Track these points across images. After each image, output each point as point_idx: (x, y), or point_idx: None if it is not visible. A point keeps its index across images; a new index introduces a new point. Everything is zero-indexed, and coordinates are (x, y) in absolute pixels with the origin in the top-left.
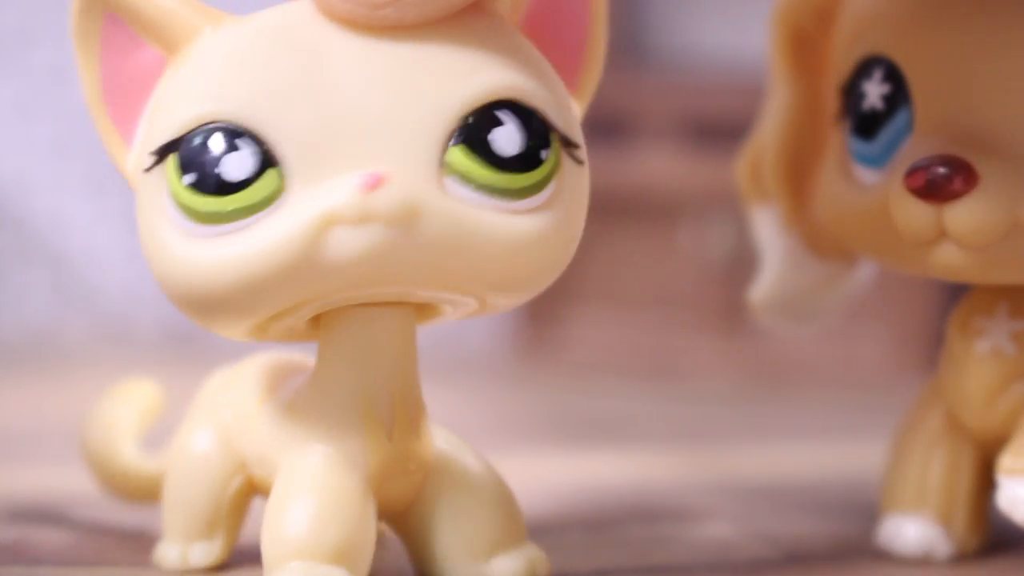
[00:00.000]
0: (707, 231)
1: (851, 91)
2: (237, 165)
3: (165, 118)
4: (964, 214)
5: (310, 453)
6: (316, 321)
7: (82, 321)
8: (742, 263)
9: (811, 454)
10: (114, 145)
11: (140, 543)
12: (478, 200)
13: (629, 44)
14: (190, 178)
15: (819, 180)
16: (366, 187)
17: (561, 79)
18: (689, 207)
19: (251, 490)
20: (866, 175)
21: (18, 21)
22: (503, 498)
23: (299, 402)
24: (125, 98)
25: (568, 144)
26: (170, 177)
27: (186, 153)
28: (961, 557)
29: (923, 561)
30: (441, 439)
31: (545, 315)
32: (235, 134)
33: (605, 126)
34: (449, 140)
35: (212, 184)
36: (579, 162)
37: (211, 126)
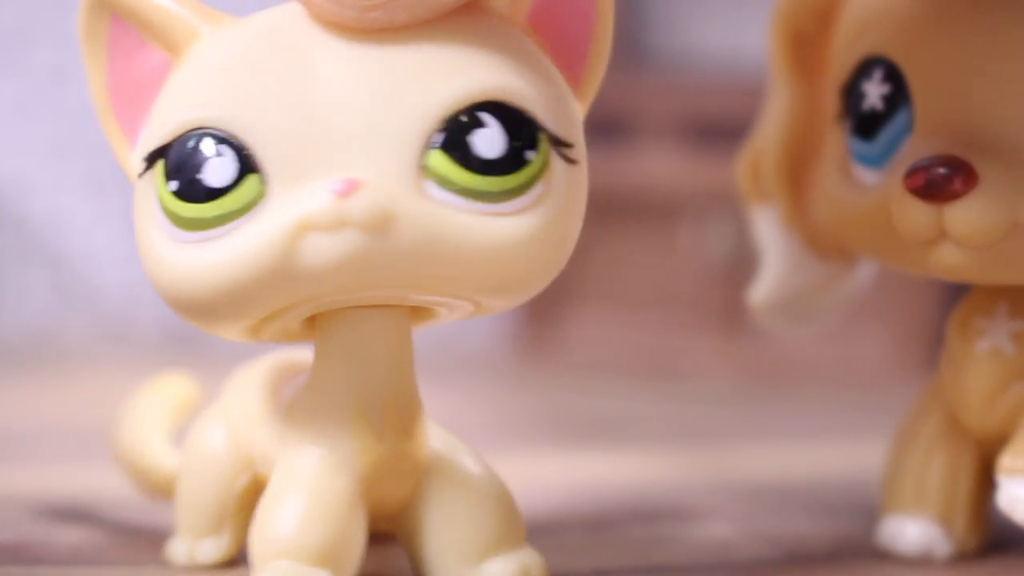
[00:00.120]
0: (707, 231)
1: (851, 91)
2: (218, 171)
3: (156, 124)
4: (964, 214)
5: (302, 454)
6: (313, 322)
7: (82, 321)
8: (742, 263)
9: (811, 454)
10: (120, 147)
11: (140, 542)
12: (458, 204)
13: (629, 44)
14: (174, 185)
15: (819, 180)
16: (340, 193)
17: (564, 76)
18: (689, 207)
19: (258, 488)
20: (866, 175)
21: (18, 21)
22: (499, 500)
23: (296, 403)
24: (131, 100)
25: (559, 144)
26: (158, 183)
27: (171, 160)
28: (961, 557)
29: (923, 561)
30: (438, 440)
31: (545, 315)
32: (217, 140)
33: (605, 126)
34: (428, 144)
35: (195, 191)
36: (572, 161)
37: (195, 132)
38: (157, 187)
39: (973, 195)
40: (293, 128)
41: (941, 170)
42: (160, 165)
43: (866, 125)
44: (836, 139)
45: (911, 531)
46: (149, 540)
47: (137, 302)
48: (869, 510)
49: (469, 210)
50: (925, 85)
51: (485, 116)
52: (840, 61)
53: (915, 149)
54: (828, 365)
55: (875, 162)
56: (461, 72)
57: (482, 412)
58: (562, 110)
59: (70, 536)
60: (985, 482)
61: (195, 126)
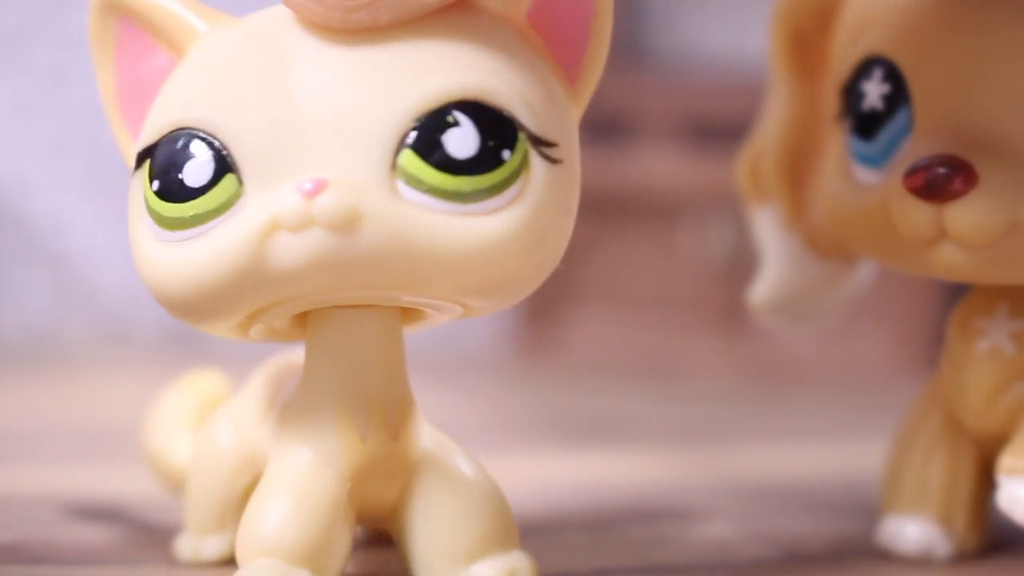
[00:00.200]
0: (707, 231)
1: (851, 91)
2: (196, 171)
3: (148, 124)
4: (964, 214)
5: (290, 454)
6: (304, 321)
7: (82, 321)
8: (742, 263)
9: (811, 454)
10: (127, 147)
11: (141, 542)
12: (430, 204)
13: (629, 44)
14: (156, 184)
15: (819, 180)
16: (307, 192)
17: (562, 74)
18: (689, 207)
19: None
20: (866, 175)
21: (18, 21)
22: (490, 502)
23: (290, 402)
24: (138, 101)
25: (540, 143)
26: (144, 182)
27: (156, 159)
28: (961, 557)
29: (923, 561)
30: (430, 441)
31: (545, 315)
32: (197, 140)
33: (605, 126)
34: (401, 143)
35: (174, 190)
36: (554, 161)
37: (178, 133)
38: (144, 186)
39: (973, 195)
40: (268, 128)
41: (941, 170)
42: (147, 165)
43: (866, 125)
44: (836, 139)
45: (911, 531)
46: (150, 539)
47: (137, 302)
48: (869, 510)
49: (441, 210)
50: (925, 85)
51: (459, 115)
52: (840, 61)
53: (915, 149)
54: (828, 365)
55: (875, 162)
56: (436, 71)
57: (482, 412)
58: (547, 109)
59: (70, 535)
60: (985, 482)
61: (178, 126)
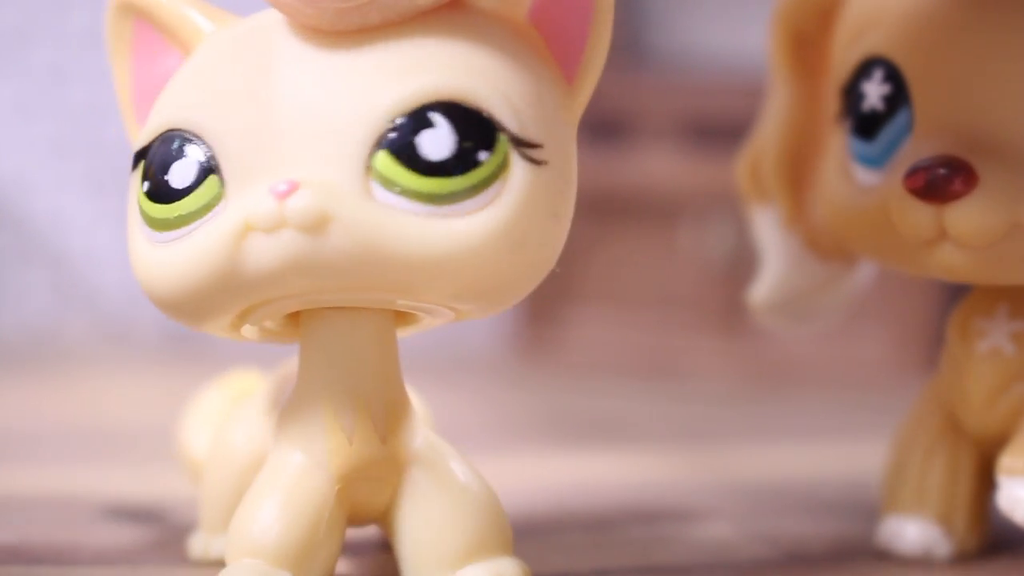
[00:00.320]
0: (707, 231)
1: (851, 92)
2: (181, 172)
3: (147, 125)
4: (964, 215)
5: (282, 454)
6: (297, 322)
7: (82, 321)
8: (742, 263)
9: (811, 454)
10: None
11: (142, 542)
12: (404, 206)
13: (629, 44)
14: (147, 185)
15: (819, 180)
16: (280, 194)
17: (562, 73)
18: (689, 207)
19: None
20: (866, 175)
21: (18, 21)
22: (481, 507)
23: (287, 404)
24: (152, 100)
25: (522, 144)
26: (138, 184)
27: (148, 161)
28: (961, 557)
29: (923, 561)
30: (424, 443)
31: (545, 315)
32: (184, 141)
33: (605, 126)
34: (375, 144)
35: (161, 192)
36: (538, 162)
37: (167, 134)
38: (137, 187)
39: (973, 195)
40: (249, 130)
41: (941, 170)
42: (141, 166)
43: (866, 125)
44: (836, 139)
45: (911, 531)
46: (150, 539)
47: (137, 302)
48: (869, 510)
49: (415, 212)
50: (925, 86)
51: (435, 116)
52: (840, 61)
53: (915, 149)
54: (828, 365)
55: (875, 162)
56: (415, 72)
57: (482, 412)
58: (533, 109)
59: (70, 535)
60: (985, 482)
61: (169, 127)
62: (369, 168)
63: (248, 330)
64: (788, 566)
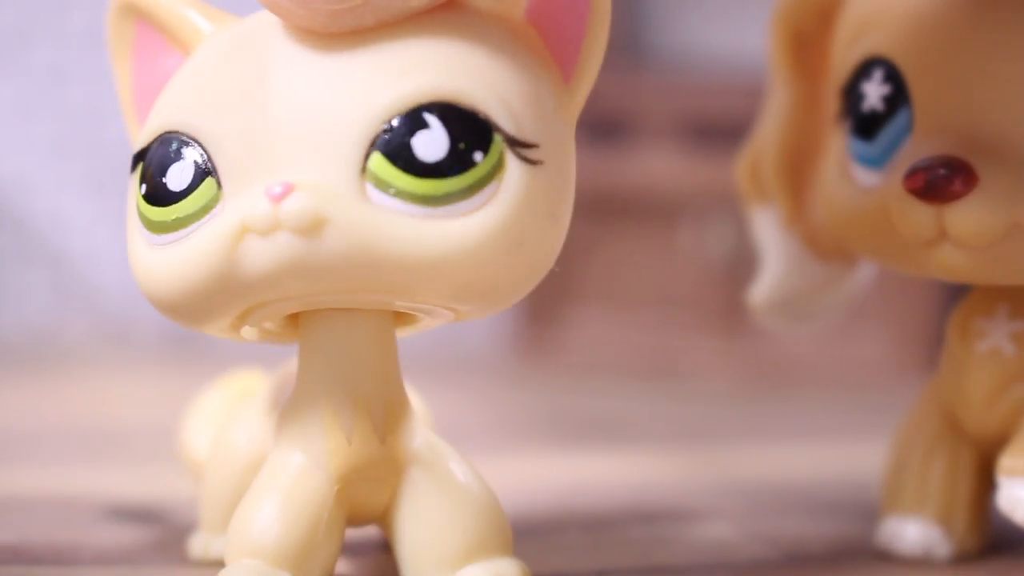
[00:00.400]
0: (707, 231)
1: (851, 92)
2: (178, 176)
3: (145, 127)
4: (964, 215)
5: (281, 455)
6: (297, 323)
7: (82, 321)
8: (742, 263)
9: (811, 454)
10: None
11: (142, 543)
12: (399, 207)
13: (629, 44)
14: (144, 188)
15: (819, 181)
16: (275, 197)
17: (560, 71)
18: (689, 207)
19: None
20: (866, 176)
21: (18, 21)
22: (480, 507)
23: (286, 404)
24: (152, 100)
25: (517, 144)
26: (136, 186)
27: (146, 163)
28: (961, 557)
29: (923, 561)
30: (424, 444)
31: (545, 315)
32: (181, 144)
33: (605, 126)
34: (370, 146)
35: (158, 194)
36: (533, 162)
37: (165, 137)
38: (135, 189)
39: (973, 196)
40: (245, 132)
41: (941, 171)
42: (140, 168)
43: (866, 126)
44: (836, 140)
45: (911, 531)
46: (150, 539)
47: (137, 302)
48: (869, 510)
49: (410, 214)
50: (925, 86)
51: (429, 117)
52: (840, 62)
53: (915, 150)
54: (828, 365)
55: (875, 163)
56: (409, 73)
57: (482, 412)
58: (529, 109)
59: (70, 536)
60: (985, 483)
61: (166, 130)
62: (364, 170)
63: (247, 331)
64: (788, 566)
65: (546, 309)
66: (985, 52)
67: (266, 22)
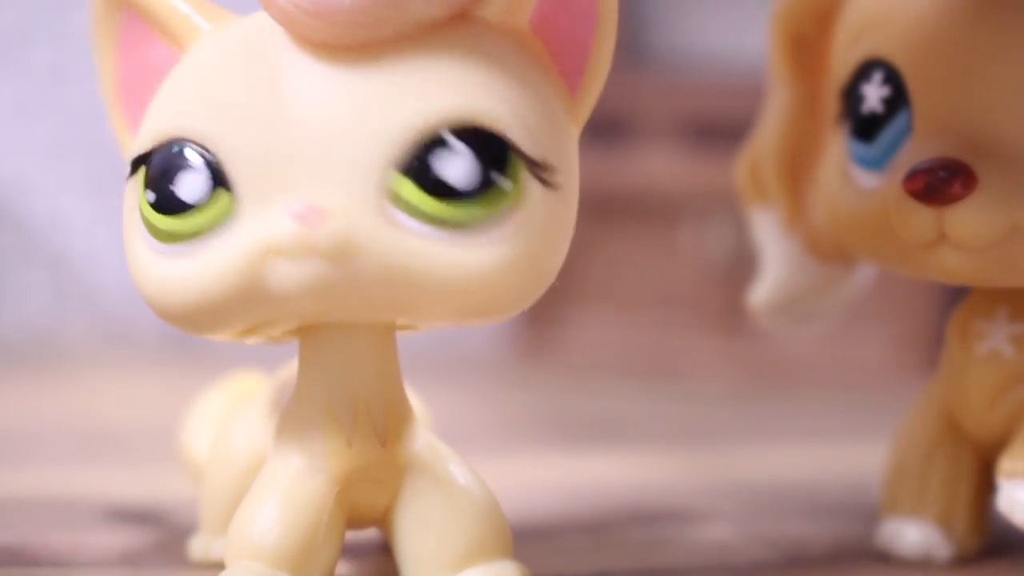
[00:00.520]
0: (707, 231)
1: (851, 94)
2: (191, 186)
3: (145, 127)
4: (963, 217)
5: (281, 457)
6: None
7: (82, 321)
8: (742, 263)
9: (811, 455)
10: (125, 140)
11: (142, 543)
12: (424, 231)
13: (629, 44)
14: (151, 195)
15: (818, 182)
16: (304, 220)
17: (564, 82)
18: (689, 207)
19: None
20: (865, 178)
21: (18, 21)
22: (481, 510)
23: (287, 406)
24: (138, 93)
25: (537, 167)
26: (139, 190)
27: (151, 169)
28: (961, 559)
29: (923, 563)
30: (425, 446)
31: (545, 315)
32: (192, 153)
33: (605, 126)
34: (396, 168)
35: (169, 204)
36: (551, 186)
37: (172, 143)
38: (138, 194)
39: (972, 198)
40: (263, 145)
41: (941, 173)
42: (142, 172)
43: (866, 128)
44: (836, 141)
45: (911, 533)
46: (150, 540)
47: (137, 302)
48: (869, 512)
49: (435, 238)
50: (924, 88)
51: (455, 141)
52: (840, 63)
53: (915, 152)
54: (828, 366)
55: (875, 164)
56: (433, 93)
57: (482, 412)
58: (546, 131)
59: (69, 537)
60: (985, 484)
61: (173, 136)
62: (388, 193)
63: (253, 340)
64: (788, 568)
65: (546, 309)
66: (985, 54)
67: (274, 25)
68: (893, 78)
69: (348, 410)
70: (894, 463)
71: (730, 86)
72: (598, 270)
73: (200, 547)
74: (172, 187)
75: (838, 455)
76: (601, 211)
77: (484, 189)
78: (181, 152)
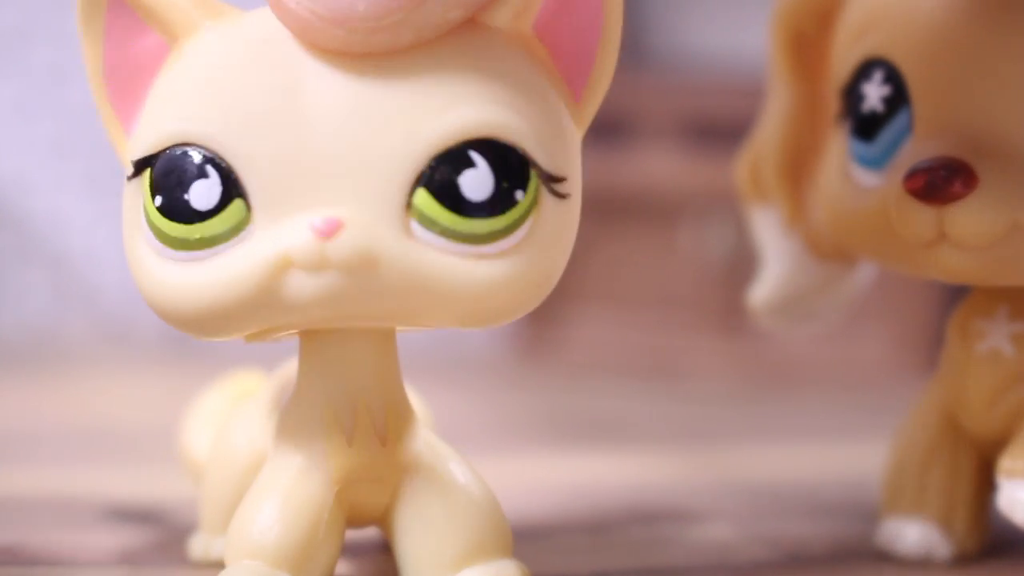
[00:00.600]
0: (707, 231)
1: (851, 93)
2: (204, 193)
3: (147, 127)
4: (964, 216)
5: (280, 456)
6: None
7: (82, 321)
8: (742, 263)
9: (811, 455)
10: (115, 131)
11: (140, 543)
12: (442, 245)
13: (629, 44)
14: (159, 200)
15: (819, 182)
16: (322, 232)
17: (568, 88)
18: (689, 207)
19: None
20: (866, 177)
21: (18, 21)
22: (480, 509)
23: (286, 405)
24: (127, 82)
25: (550, 179)
26: (145, 194)
27: (158, 172)
28: (961, 559)
29: (923, 563)
30: (425, 446)
31: (545, 315)
32: (203, 160)
33: (605, 126)
34: (416, 182)
35: (179, 210)
36: (563, 196)
37: (182, 147)
38: (144, 198)
39: (973, 197)
40: (279, 155)
41: (941, 172)
42: (147, 175)
43: (866, 127)
44: (836, 141)
45: (911, 533)
46: (150, 541)
47: (137, 302)
48: (869, 511)
49: (452, 251)
50: (925, 87)
51: (474, 155)
52: (840, 62)
53: (915, 151)
54: (828, 366)
55: (875, 164)
56: (454, 106)
57: (482, 412)
58: (556, 141)
59: (69, 537)
60: (985, 484)
61: (182, 140)
62: (409, 206)
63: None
64: (788, 568)
65: (546, 309)
66: (985, 53)
67: (282, 27)
68: (893, 77)
69: (348, 409)
70: (894, 463)
71: (730, 86)
72: (598, 270)
73: (200, 546)
74: (183, 195)
75: (838, 455)
76: (601, 211)
77: (503, 204)
78: (192, 159)
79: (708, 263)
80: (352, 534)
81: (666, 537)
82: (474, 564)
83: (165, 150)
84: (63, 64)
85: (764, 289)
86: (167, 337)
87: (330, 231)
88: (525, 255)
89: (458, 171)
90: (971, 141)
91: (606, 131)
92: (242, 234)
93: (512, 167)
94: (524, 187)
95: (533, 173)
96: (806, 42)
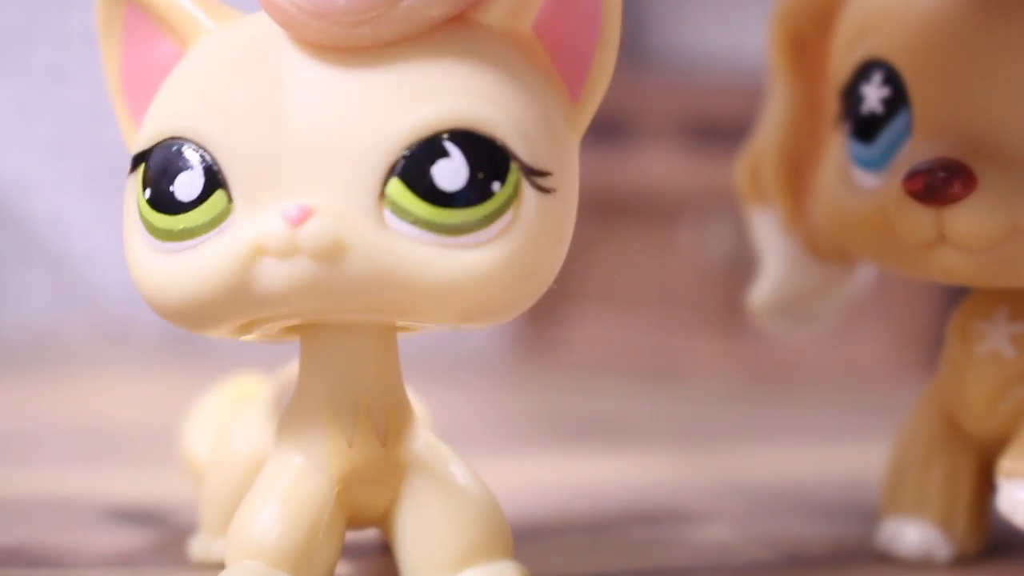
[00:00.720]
0: (707, 231)
1: (850, 94)
2: (187, 185)
3: (146, 125)
4: (963, 218)
5: (281, 457)
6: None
7: (82, 321)
8: (742, 264)
9: (811, 455)
10: (129, 133)
11: (141, 544)
12: (416, 235)
13: (629, 44)
14: (149, 193)
15: (818, 183)
16: (292, 220)
17: (567, 88)
18: (689, 207)
19: None
20: (865, 178)
21: (18, 21)
22: (480, 510)
23: (287, 407)
24: (142, 87)
25: (532, 173)
26: (138, 189)
27: (149, 166)
28: (961, 560)
29: (923, 564)
30: (424, 447)
31: (545, 315)
32: (189, 152)
33: (605, 126)
34: (389, 171)
35: (165, 202)
36: (547, 190)
37: (171, 142)
38: (137, 192)
39: (972, 198)
40: (259, 146)
41: (940, 173)
42: (141, 169)
43: (865, 128)
44: (836, 142)
45: (911, 534)
46: (150, 541)
47: (137, 302)
48: (869, 512)
49: (427, 242)
50: (924, 88)
51: (449, 145)
52: (839, 64)
53: (914, 152)
54: (828, 366)
55: (874, 165)
56: (430, 97)
57: (482, 412)
58: (542, 136)
59: (69, 537)
60: (985, 485)
61: (172, 134)
62: (382, 195)
63: (250, 338)
64: (788, 568)
65: (546, 309)
66: (985, 54)
67: (272, 27)
68: (893, 79)
69: (349, 410)
70: (894, 463)
71: (730, 86)
72: (598, 270)
73: (200, 547)
74: (169, 186)
75: (838, 455)
76: (601, 211)
77: (478, 195)
78: (179, 151)
79: (708, 263)
80: (352, 535)
81: (666, 538)
82: (474, 565)
83: (158, 144)
84: (63, 64)
85: (764, 290)
86: (167, 337)
87: (301, 218)
88: (504, 248)
89: (432, 161)
90: (970, 142)
91: (606, 131)
92: (222, 225)
93: (489, 158)
94: (502, 179)
95: (513, 166)
96: (805, 43)
